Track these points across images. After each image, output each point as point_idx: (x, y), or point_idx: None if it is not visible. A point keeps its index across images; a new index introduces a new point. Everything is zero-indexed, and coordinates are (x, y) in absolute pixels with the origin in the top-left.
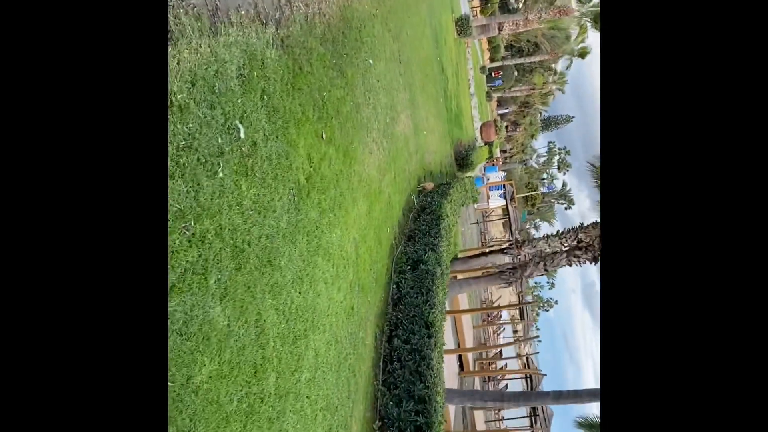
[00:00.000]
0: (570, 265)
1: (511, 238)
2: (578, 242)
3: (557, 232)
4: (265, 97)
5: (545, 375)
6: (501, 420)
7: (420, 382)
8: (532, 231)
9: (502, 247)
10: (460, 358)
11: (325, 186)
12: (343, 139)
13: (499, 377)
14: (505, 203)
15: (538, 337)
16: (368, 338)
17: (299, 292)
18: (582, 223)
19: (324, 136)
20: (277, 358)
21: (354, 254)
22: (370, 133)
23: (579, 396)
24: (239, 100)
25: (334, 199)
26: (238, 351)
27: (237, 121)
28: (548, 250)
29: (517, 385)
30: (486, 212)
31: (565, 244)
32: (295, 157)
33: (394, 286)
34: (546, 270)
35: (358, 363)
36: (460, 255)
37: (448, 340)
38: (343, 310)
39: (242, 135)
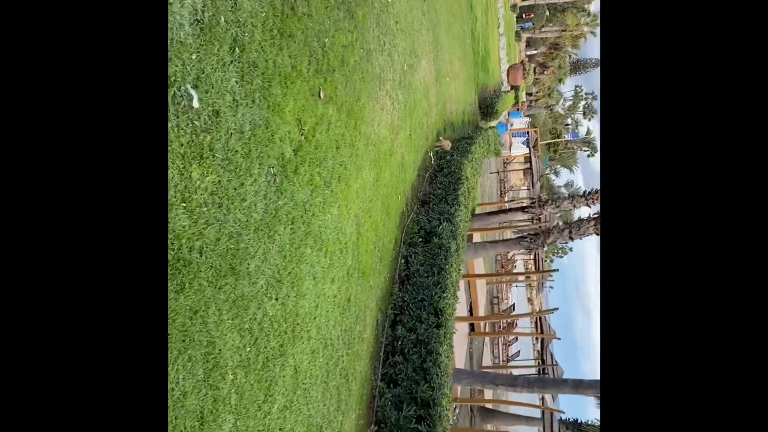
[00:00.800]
0: (598, 234)
1: (532, 189)
2: None
3: (583, 192)
4: (236, 49)
5: (559, 339)
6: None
7: (425, 381)
8: (552, 177)
9: (523, 205)
10: (471, 313)
11: (321, 157)
12: (347, 95)
13: (510, 339)
14: (527, 151)
15: (552, 280)
16: (367, 330)
17: (276, 299)
18: None
19: (322, 94)
20: (236, 394)
21: (355, 235)
22: (383, 85)
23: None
24: (193, 56)
25: (332, 172)
26: (178, 400)
27: (188, 86)
28: (570, 208)
29: (527, 346)
30: (507, 159)
31: (592, 207)
32: (278, 125)
33: (403, 261)
34: (571, 238)
35: (352, 364)
36: (477, 210)
37: (461, 302)
38: (336, 305)
39: (195, 104)
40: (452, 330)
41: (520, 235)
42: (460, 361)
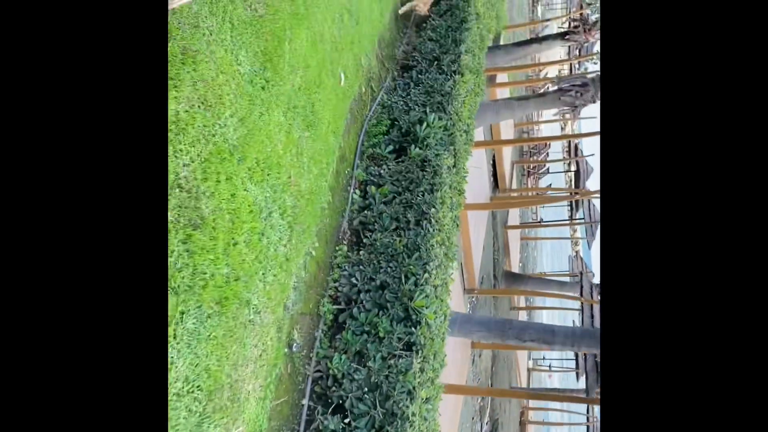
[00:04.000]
0: None
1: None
2: None
3: None
4: None
5: (592, 170)
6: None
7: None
8: None
9: (560, 30)
10: (494, 167)
11: None
12: None
13: (541, 169)
14: None
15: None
16: (257, 380)
17: None
18: None
19: None
20: None
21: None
22: None
23: None
24: None
25: None
26: None
27: None
28: None
29: (560, 180)
30: None
31: None
32: None
33: (357, 195)
34: None
35: None
36: (504, 35)
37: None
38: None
39: None
40: (440, 364)
41: (560, 86)
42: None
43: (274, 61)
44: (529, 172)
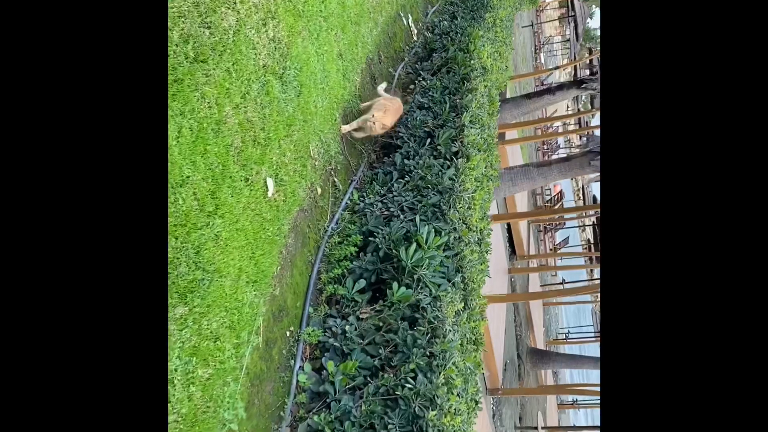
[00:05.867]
0: None
1: (574, 44)
2: None
3: None
4: None
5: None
6: None
7: None
8: (588, 21)
9: (577, 77)
10: (509, 232)
11: None
12: None
13: (557, 225)
14: None
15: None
16: None
17: None
18: None
19: None
20: None
21: None
22: None
23: None
24: None
25: None
26: None
27: None
28: None
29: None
30: (540, 6)
31: None
32: None
33: (297, 406)
34: None
35: None
36: (509, 87)
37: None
38: None
39: None
40: None
41: (591, 148)
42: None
43: None
44: (545, 228)
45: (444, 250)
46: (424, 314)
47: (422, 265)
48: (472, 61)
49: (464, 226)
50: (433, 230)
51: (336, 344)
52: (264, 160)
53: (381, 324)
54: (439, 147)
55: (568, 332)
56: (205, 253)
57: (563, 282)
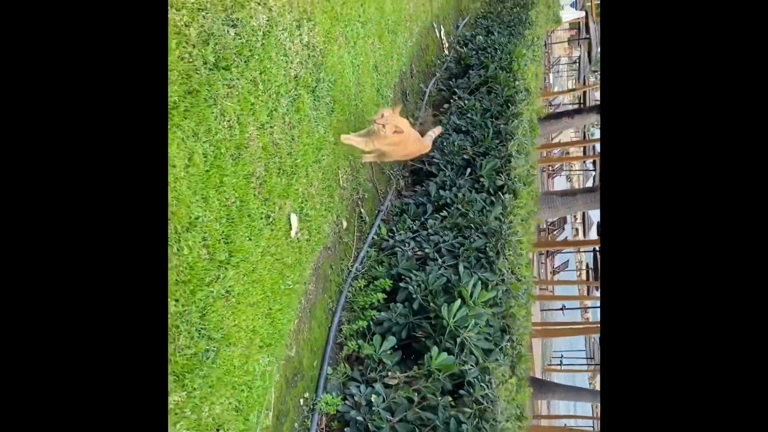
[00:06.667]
0: None
1: (586, 67)
2: None
3: None
4: None
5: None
6: None
7: None
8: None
9: (584, 103)
10: None
11: None
12: None
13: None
14: (581, 16)
15: None
16: None
17: None
18: None
19: None
20: None
21: None
22: None
23: None
24: None
25: None
26: None
27: None
28: None
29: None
30: (553, 29)
31: None
32: None
33: None
34: None
35: None
36: None
37: None
38: None
39: None
40: None
41: None
42: None
43: None
44: (548, 252)
45: (491, 306)
46: (471, 390)
47: (467, 326)
48: (516, 82)
49: (513, 276)
50: (479, 282)
51: (359, 418)
52: (289, 192)
53: (414, 395)
54: (481, 179)
55: (562, 357)
56: (212, 317)
57: (563, 308)
